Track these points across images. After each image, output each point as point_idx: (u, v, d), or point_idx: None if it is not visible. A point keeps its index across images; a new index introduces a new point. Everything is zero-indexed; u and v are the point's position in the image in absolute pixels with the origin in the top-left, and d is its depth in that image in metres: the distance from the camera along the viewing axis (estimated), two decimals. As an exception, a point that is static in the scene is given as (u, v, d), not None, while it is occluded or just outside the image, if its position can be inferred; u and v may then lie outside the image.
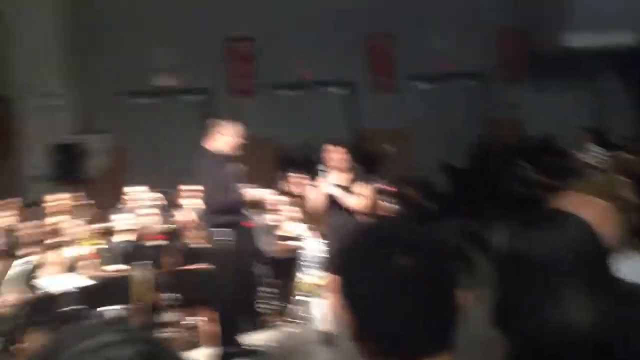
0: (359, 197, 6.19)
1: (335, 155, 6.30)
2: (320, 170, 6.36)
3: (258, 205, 6.59)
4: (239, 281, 6.15)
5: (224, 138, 6.26)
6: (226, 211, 6.10)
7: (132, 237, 7.49)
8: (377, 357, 1.35)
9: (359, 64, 14.23)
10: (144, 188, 8.91)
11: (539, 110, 14.47)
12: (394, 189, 7.96)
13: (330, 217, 6.30)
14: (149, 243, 7.40)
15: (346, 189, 6.23)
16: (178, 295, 6.59)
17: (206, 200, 6.24)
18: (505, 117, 14.87)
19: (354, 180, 6.29)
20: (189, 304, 6.75)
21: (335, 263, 1.26)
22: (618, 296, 1.64)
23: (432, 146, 14.39)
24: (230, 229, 6.09)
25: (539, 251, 1.65)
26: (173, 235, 7.71)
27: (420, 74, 14.72)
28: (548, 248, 1.65)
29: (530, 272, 1.66)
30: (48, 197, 8.69)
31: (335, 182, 6.25)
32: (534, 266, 1.65)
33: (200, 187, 6.38)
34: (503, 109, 15.05)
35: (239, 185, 6.28)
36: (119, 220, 7.72)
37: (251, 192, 6.34)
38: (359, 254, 1.40)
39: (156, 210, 8.10)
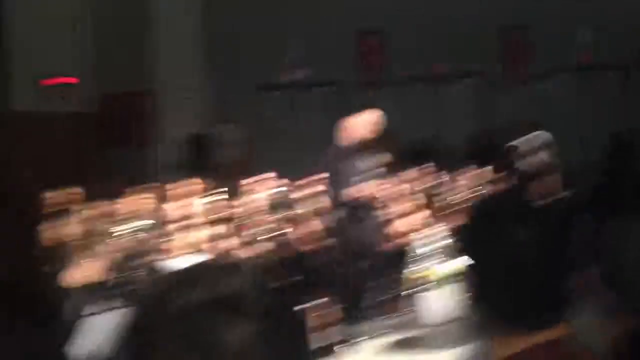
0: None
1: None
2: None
3: (376, 198, 6.47)
4: (355, 271, 6.10)
5: (359, 128, 6.15)
6: (345, 203, 6.06)
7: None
8: (499, 330, 1.31)
9: (492, 56, 13.90)
10: (272, 174, 9.09)
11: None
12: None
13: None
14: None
15: None
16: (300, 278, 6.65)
17: (331, 191, 6.22)
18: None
19: None
20: (310, 287, 6.80)
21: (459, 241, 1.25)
22: None
23: (567, 141, 13.80)
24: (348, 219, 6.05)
25: None
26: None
27: (558, 66, 14.20)
28: None
29: None
30: (182, 183, 9.04)
31: None
32: None
33: (327, 178, 6.35)
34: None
35: (369, 177, 6.19)
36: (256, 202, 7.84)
37: (366, 186, 6.16)
38: (480, 229, 1.35)
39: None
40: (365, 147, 6.21)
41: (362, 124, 6.15)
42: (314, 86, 14.16)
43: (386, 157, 6.27)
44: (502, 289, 1.13)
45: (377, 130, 6.21)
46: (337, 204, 6.19)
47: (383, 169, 6.31)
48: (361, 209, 6.22)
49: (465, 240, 1.25)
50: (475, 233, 1.27)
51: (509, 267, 1.14)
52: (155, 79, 12.94)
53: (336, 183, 6.13)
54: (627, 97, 14.64)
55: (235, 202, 9.08)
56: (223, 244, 7.47)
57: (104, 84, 13.27)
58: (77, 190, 8.54)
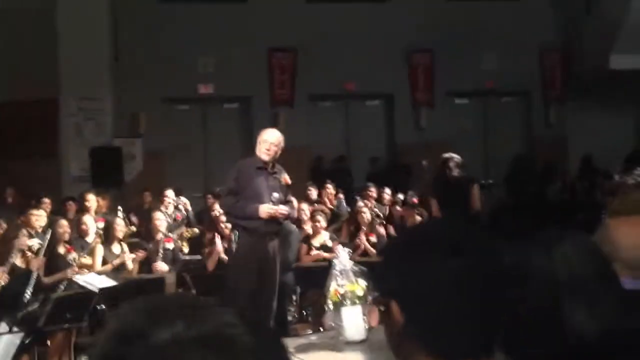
0: None
1: None
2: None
3: (288, 216, 6.47)
4: (264, 288, 6.08)
5: (263, 145, 6.13)
6: (252, 218, 6.05)
7: (161, 238, 7.57)
8: (420, 357, 1.34)
9: (399, 77, 14.22)
10: (171, 192, 9.00)
11: (581, 130, 14.32)
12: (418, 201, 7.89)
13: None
14: (167, 245, 7.49)
15: None
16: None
17: (237, 207, 6.16)
18: (546, 135, 14.76)
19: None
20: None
21: (384, 264, 1.25)
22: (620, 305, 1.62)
23: (469, 161, 14.30)
24: (255, 236, 6.04)
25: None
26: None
27: (460, 90, 14.67)
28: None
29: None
30: (87, 197, 8.85)
31: None
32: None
33: (233, 193, 6.30)
34: (544, 127, 14.95)
35: (275, 194, 6.18)
36: (157, 221, 7.76)
37: (272, 207, 6.11)
38: (410, 254, 1.39)
39: (181, 214, 8.17)
40: (270, 164, 6.20)
41: (267, 141, 6.14)
42: (224, 102, 14.13)
43: (285, 175, 6.31)
44: (430, 313, 1.16)
45: (280, 148, 6.22)
46: (239, 218, 6.17)
47: (286, 188, 6.34)
48: (274, 225, 6.21)
49: (393, 259, 1.27)
50: (402, 254, 1.29)
51: (437, 291, 1.17)
52: (60, 88, 12.59)
53: (246, 199, 6.09)
54: (527, 121, 15.29)
55: (136, 220, 8.95)
56: (127, 262, 7.38)
57: (6, 92, 12.83)
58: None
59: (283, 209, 6.11)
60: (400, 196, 10.01)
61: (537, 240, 1.74)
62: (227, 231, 7.69)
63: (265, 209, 6.00)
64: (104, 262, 7.17)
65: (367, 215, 8.08)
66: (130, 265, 7.20)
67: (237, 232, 6.52)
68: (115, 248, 7.32)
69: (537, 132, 15.05)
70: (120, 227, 7.58)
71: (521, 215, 9.98)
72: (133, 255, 7.31)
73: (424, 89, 14.49)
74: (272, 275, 6.19)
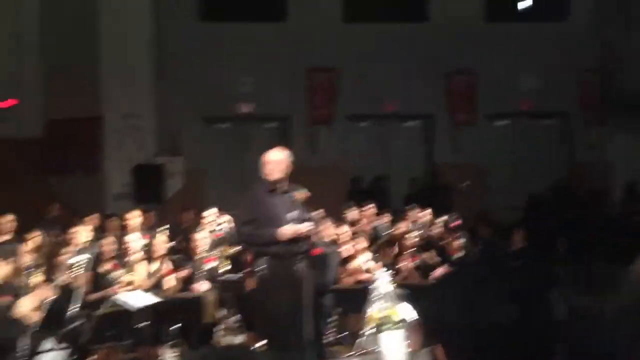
0: None
1: None
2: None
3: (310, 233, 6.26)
4: (295, 312, 5.94)
5: (266, 167, 6.01)
6: (272, 244, 5.90)
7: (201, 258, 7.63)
8: None
9: (438, 98, 14.20)
10: (214, 210, 9.06)
11: (623, 154, 14.11)
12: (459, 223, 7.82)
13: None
14: (207, 265, 7.52)
15: None
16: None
17: (255, 235, 5.88)
18: (588, 158, 14.55)
19: None
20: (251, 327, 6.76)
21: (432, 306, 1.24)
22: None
23: (508, 184, 14.21)
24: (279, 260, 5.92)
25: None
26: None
27: (500, 112, 14.59)
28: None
29: None
30: (128, 215, 8.98)
31: None
32: None
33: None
34: (585, 150, 14.74)
35: (290, 214, 5.98)
36: (198, 242, 7.83)
37: (291, 227, 5.96)
38: (451, 294, 1.39)
39: (221, 233, 8.22)
40: (280, 184, 6.06)
41: (269, 161, 6.00)
42: (263, 121, 14.23)
43: (303, 193, 6.14)
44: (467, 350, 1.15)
45: (287, 165, 6.08)
46: (270, 242, 5.98)
47: (321, 211, 6.16)
48: (298, 246, 6.02)
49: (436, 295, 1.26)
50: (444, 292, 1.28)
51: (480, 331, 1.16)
52: (104, 106, 12.81)
53: (263, 226, 5.85)
54: (568, 145, 15.09)
55: (178, 238, 9.02)
56: (166, 280, 7.45)
57: (51, 110, 13.09)
58: (10, 218, 8.38)
59: (304, 227, 5.87)
60: (440, 218, 9.93)
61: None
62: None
63: (285, 231, 5.82)
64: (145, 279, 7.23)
65: (412, 239, 8.04)
66: (172, 282, 7.22)
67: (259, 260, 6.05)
68: (153, 266, 7.37)
69: (578, 156, 14.86)
70: (161, 245, 7.65)
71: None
72: (173, 274, 7.37)
73: (464, 110, 14.42)
74: (303, 298, 5.93)
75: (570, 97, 14.51)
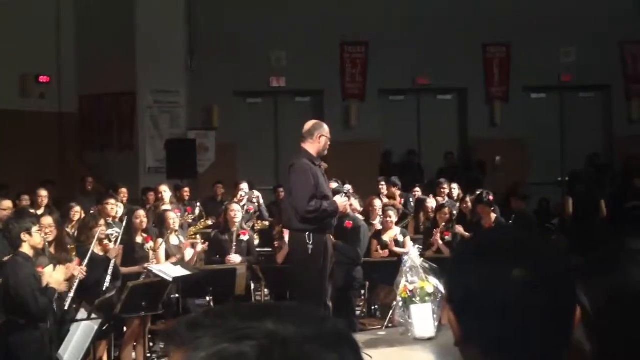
0: None
1: None
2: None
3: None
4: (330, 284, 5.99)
5: (327, 141, 5.99)
6: (335, 215, 5.92)
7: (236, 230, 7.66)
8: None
9: (473, 71, 14.01)
10: (245, 185, 9.08)
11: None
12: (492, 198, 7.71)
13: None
14: (242, 237, 7.56)
15: None
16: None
17: (324, 208, 5.86)
18: (627, 132, 14.24)
19: None
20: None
21: (447, 270, 1.21)
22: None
23: (546, 158, 14.02)
24: (317, 232, 5.91)
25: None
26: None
27: (537, 85, 14.33)
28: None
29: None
30: (161, 188, 9.07)
31: None
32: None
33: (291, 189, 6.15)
34: (626, 123, 14.42)
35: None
36: (233, 213, 7.83)
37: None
38: (472, 263, 1.34)
39: (252, 207, 8.21)
40: (321, 156, 6.08)
41: (318, 133, 5.98)
42: (295, 95, 14.19)
43: (323, 163, 6.17)
44: (490, 325, 1.12)
45: (328, 142, 6.09)
46: (333, 215, 5.99)
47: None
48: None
49: (456, 266, 1.22)
50: (465, 262, 1.24)
51: (499, 303, 1.13)
52: (137, 82, 12.90)
53: (321, 199, 5.94)
54: (609, 117, 14.76)
55: (219, 209, 9.07)
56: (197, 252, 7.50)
57: (87, 85, 13.23)
58: (44, 194, 8.51)
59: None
60: (473, 193, 9.83)
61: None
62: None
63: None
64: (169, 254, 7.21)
65: (444, 213, 8.01)
66: (188, 255, 7.19)
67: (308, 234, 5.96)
68: (174, 240, 7.33)
69: (617, 129, 14.54)
70: (174, 219, 7.49)
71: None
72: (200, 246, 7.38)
73: (499, 83, 14.21)
74: (334, 271, 6.14)
75: (611, 69, 14.19)
